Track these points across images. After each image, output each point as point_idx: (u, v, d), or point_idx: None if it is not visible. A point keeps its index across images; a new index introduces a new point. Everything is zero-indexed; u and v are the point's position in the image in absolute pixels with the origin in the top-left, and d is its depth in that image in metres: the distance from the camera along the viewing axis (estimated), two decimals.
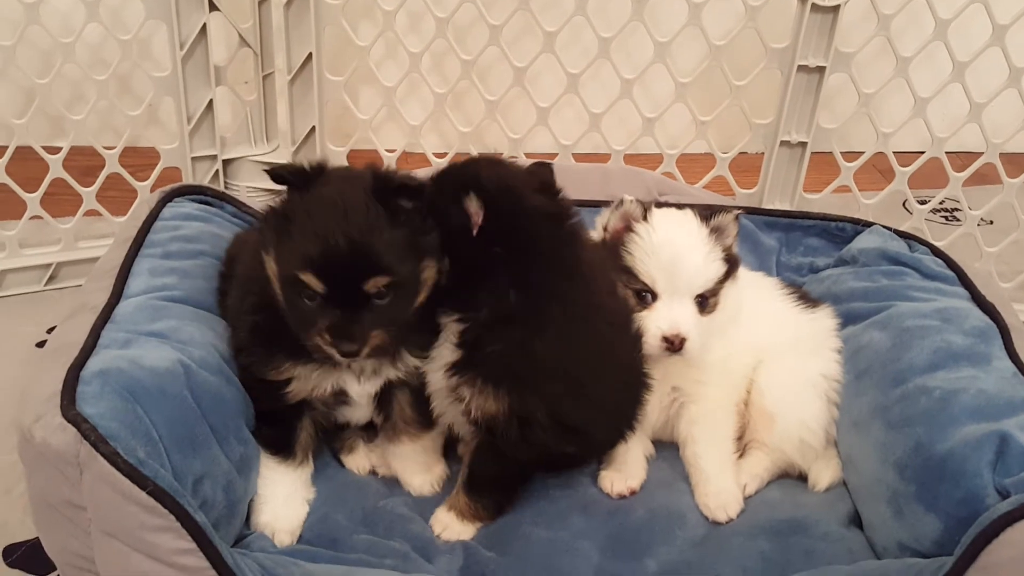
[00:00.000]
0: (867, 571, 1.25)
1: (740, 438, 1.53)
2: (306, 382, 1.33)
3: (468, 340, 1.31)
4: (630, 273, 1.45)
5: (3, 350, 1.89)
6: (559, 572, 1.31)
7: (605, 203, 1.58)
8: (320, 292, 1.20)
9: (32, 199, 2.03)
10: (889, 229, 1.76)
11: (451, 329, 1.32)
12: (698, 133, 2.17)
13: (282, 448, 1.38)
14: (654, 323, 1.43)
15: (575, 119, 2.20)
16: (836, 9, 1.99)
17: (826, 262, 1.81)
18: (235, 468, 1.28)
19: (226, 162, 2.17)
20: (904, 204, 2.25)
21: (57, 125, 2.13)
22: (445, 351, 1.34)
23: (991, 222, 2.36)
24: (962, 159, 2.15)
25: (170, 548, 1.11)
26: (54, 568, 1.36)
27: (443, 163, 2.17)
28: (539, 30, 2.07)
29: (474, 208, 1.24)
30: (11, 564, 1.44)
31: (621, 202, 1.49)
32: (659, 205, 1.57)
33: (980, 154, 2.10)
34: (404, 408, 1.43)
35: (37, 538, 1.29)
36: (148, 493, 1.09)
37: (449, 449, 1.52)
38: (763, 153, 2.19)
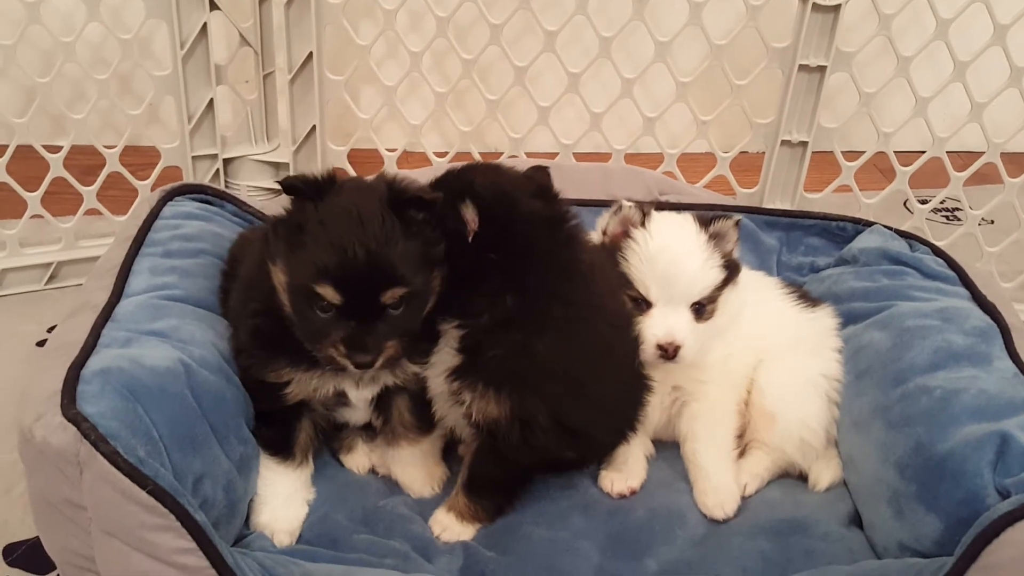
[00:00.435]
0: (867, 571, 1.25)
1: (740, 437, 1.53)
2: (306, 385, 1.33)
3: (468, 345, 1.31)
4: (627, 280, 1.45)
5: (3, 349, 1.89)
6: (559, 572, 1.31)
7: (606, 203, 1.58)
8: (336, 304, 1.18)
9: (33, 198, 2.03)
10: (890, 229, 1.76)
11: (451, 335, 1.32)
12: (699, 133, 2.17)
13: (281, 449, 1.38)
14: (649, 330, 1.43)
15: (576, 118, 2.20)
16: (837, 8, 1.99)
17: (827, 262, 1.81)
18: (235, 467, 1.28)
19: (227, 161, 2.17)
20: (905, 204, 2.25)
21: (58, 124, 2.13)
22: (445, 356, 1.34)
23: (992, 222, 2.35)
24: (963, 159, 2.15)
25: (170, 547, 1.11)
26: (54, 567, 1.36)
27: (444, 162, 2.18)
28: (540, 29, 2.07)
29: (470, 215, 1.24)
30: (11, 563, 1.44)
31: (620, 207, 1.49)
32: (659, 206, 1.57)
33: (981, 154, 2.10)
34: (403, 414, 1.43)
35: (37, 537, 1.29)
36: (148, 492, 1.09)
37: (449, 450, 1.52)
38: (764, 153, 2.19)
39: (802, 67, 2.06)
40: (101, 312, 1.30)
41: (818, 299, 1.64)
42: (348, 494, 1.43)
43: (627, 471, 1.47)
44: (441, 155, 2.26)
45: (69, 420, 1.10)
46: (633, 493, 1.45)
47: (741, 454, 1.52)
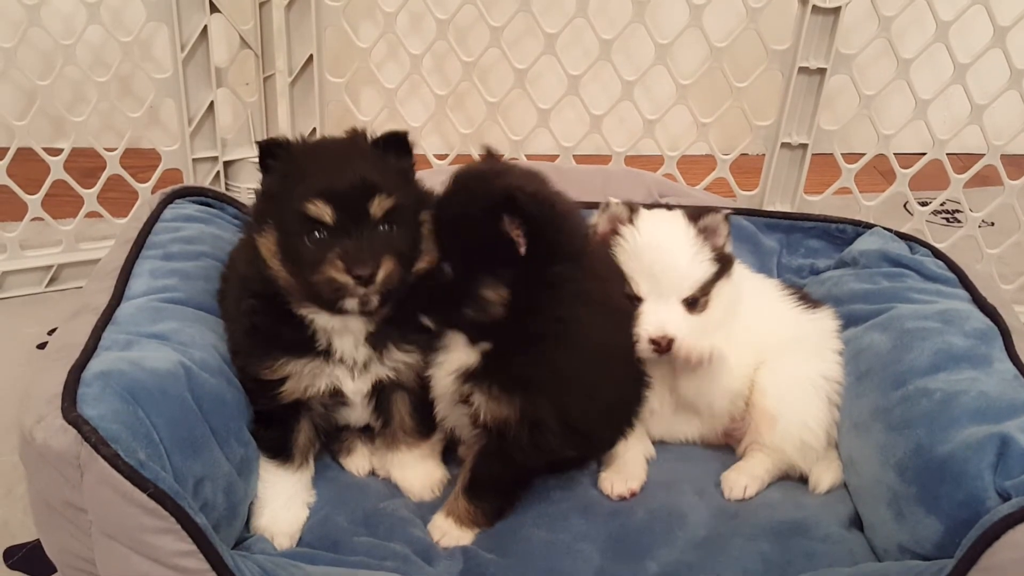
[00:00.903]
0: (868, 573, 1.26)
1: (741, 440, 1.53)
2: (300, 380, 1.33)
3: (491, 351, 1.30)
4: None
5: (4, 351, 1.89)
6: (560, 574, 1.31)
7: None
8: (329, 222, 1.22)
9: (33, 201, 2.04)
10: (890, 231, 1.75)
11: (462, 337, 1.32)
12: (699, 135, 2.17)
13: (281, 451, 1.38)
14: (641, 326, 1.42)
15: (576, 120, 2.20)
16: (837, 11, 1.99)
17: (827, 264, 1.81)
18: (236, 470, 1.28)
19: (227, 164, 2.18)
20: (905, 206, 2.25)
21: (58, 127, 2.13)
22: (457, 357, 1.33)
23: (992, 224, 2.35)
24: (963, 161, 2.15)
25: (171, 550, 1.11)
26: (55, 569, 1.36)
27: (444, 164, 2.18)
28: (540, 31, 2.07)
29: (516, 230, 1.22)
30: (12, 566, 1.44)
31: (608, 205, 1.49)
32: (659, 207, 1.56)
33: (981, 156, 2.10)
34: (404, 417, 1.43)
35: (38, 539, 1.29)
36: (149, 495, 1.09)
37: (449, 451, 1.52)
38: (764, 155, 2.19)
39: (802, 69, 2.06)
40: (102, 315, 1.30)
41: (818, 301, 1.64)
42: (348, 496, 1.43)
43: (627, 473, 1.47)
44: (441, 157, 2.26)
45: (70, 423, 1.10)
46: (633, 495, 1.45)
47: (742, 456, 1.52)
